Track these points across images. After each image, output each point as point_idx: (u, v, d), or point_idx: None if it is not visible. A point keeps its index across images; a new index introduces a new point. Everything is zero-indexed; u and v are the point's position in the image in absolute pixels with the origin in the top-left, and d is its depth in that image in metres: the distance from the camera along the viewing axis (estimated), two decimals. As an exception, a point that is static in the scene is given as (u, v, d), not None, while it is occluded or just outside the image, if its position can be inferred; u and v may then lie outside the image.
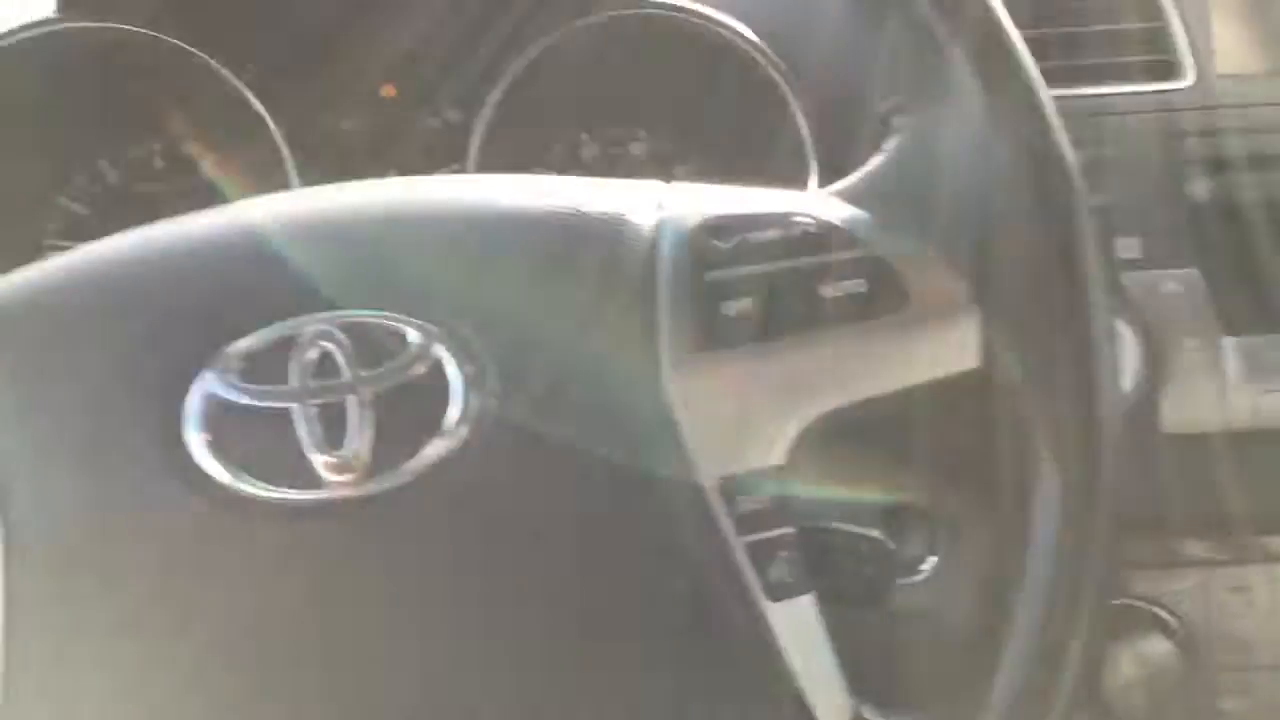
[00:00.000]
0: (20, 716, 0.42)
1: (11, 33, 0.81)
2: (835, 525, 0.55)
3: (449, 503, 0.43)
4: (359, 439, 0.43)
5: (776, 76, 0.85)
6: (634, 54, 0.89)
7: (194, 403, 0.43)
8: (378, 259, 0.46)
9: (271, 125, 0.87)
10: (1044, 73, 0.48)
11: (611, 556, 0.44)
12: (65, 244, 0.91)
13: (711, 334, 0.45)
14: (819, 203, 0.49)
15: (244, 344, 0.44)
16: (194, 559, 0.43)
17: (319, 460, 0.43)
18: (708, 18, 0.86)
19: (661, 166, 0.95)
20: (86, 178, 0.92)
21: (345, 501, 0.43)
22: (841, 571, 0.54)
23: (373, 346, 0.44)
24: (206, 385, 0.43)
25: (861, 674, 0.47)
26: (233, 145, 0.91)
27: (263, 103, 0.87)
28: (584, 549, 0.44)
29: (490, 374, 0.44)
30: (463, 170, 0.89)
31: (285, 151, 0.87)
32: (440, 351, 0.44)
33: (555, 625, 0.44)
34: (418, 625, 0.43)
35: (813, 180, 0.84)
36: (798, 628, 0.46)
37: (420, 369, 0.44)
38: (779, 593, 0.45)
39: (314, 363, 0.44)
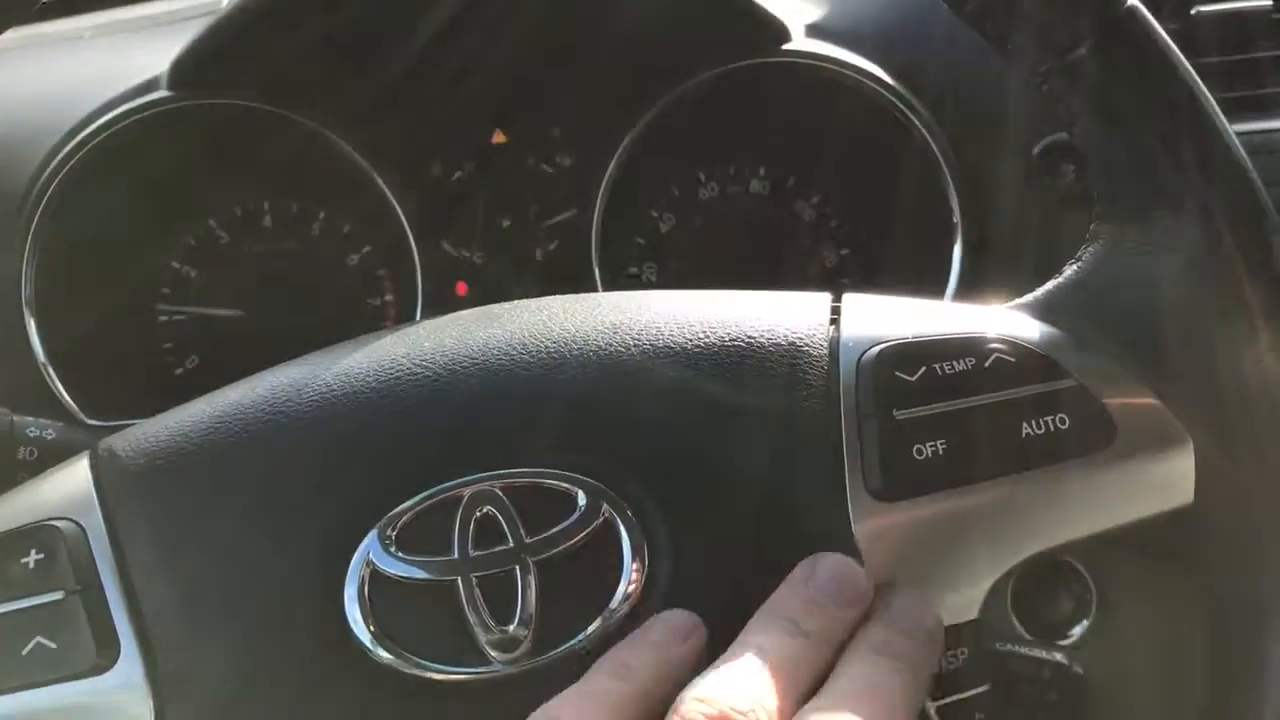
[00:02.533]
0: None
1: (127, 114, 0.79)
2: (1015, 650, 0.51)
3: None
4: (526, 611, 0.40)
5: (917, 123, 0.81)
6: (758, 98, 0.85)
7: (353, 574, 0.41)
8: (540, 406, 0.43)
9: (380, 183, 0.85)
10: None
11: None
12: (176, 307, 0.90)
13: (902, 481, 0.41)
14: (1009, 321, 0.45)
15: (404, 508, 0.41)
16: None
17: (483, 635, 0.40)
18: (845, 64, 0.82)
19: (784, 203, 0.91)
20: (196, 239, 0.90)
21: (513, 679, 0.40)
22: (1025, 699, 0.50)
23: (537, 507, 0.41)
24: (366, 555, 0.41)
25: None
26: (343, 201, 0.89)
27: (374, 157, 0.84)
28: None
29: (662, 536, 0.41)
30: (584, 213, 0.86)
31: (397, 207, 0.84)
32: (609, 513, 0.41)
33: None
34: None
35: (958, 244, 0.80)
36: None
37: (588, 532, 0.41)
38: None
39: (477, 526, 0.41)
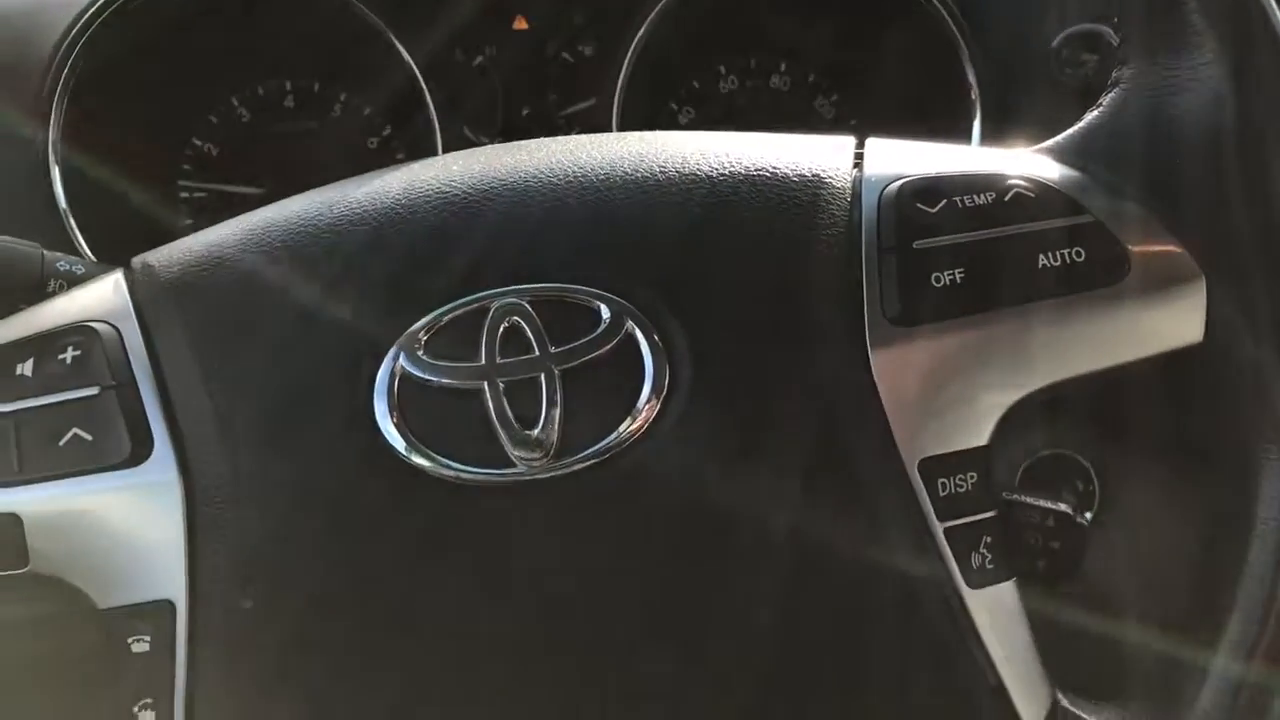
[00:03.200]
0: (207, 683, 0.41)
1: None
2: (1021, 499, 0.52)
3: (639, 484, 0.41)
4: (549, 418, 0.41)
5: (940, 8, 0.81)
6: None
7: (383, 379, 0.42)
8: (567, 225, 0.43)
9: (408, 59, 0.85)
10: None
11: (808, 540, 0.42)
12: (197, 184, 0.91)
13: (919, 307, 0.42)
14: (1030, 162, 0.45)
15: (433, 318, 0.42)
16: (378, 534, 0.41)
17: (508, 439, 0.41)
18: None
19: (804, 99, 0.91)
20: (218, 117, 0.90)
21: (535, 482, 0.41)
22: (1028, 548, 0.51)
23: (563, 320, 0.42)
24: (395, 361, 0.42)
25: (1058, 661, 0.45)
26: (366, 83, 0.89)
27: (402, 36, 0.85)
28: (779, 533, 0.42)
29: (683, 352, 0.42)
30: (602, 103, 0.86)
31: (425, 89, 0.85)
32: (632, 327, 0.42)
33: (748, 611, 0.42)
34: (604, 609, 0.41)
35: (976, 121, 0.80)
36: (999, 615, 0.43)
37: (612, 345, 0.42)
38: (980, 580, 0.43)
39: (503, 338, 0.42)
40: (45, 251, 0.58)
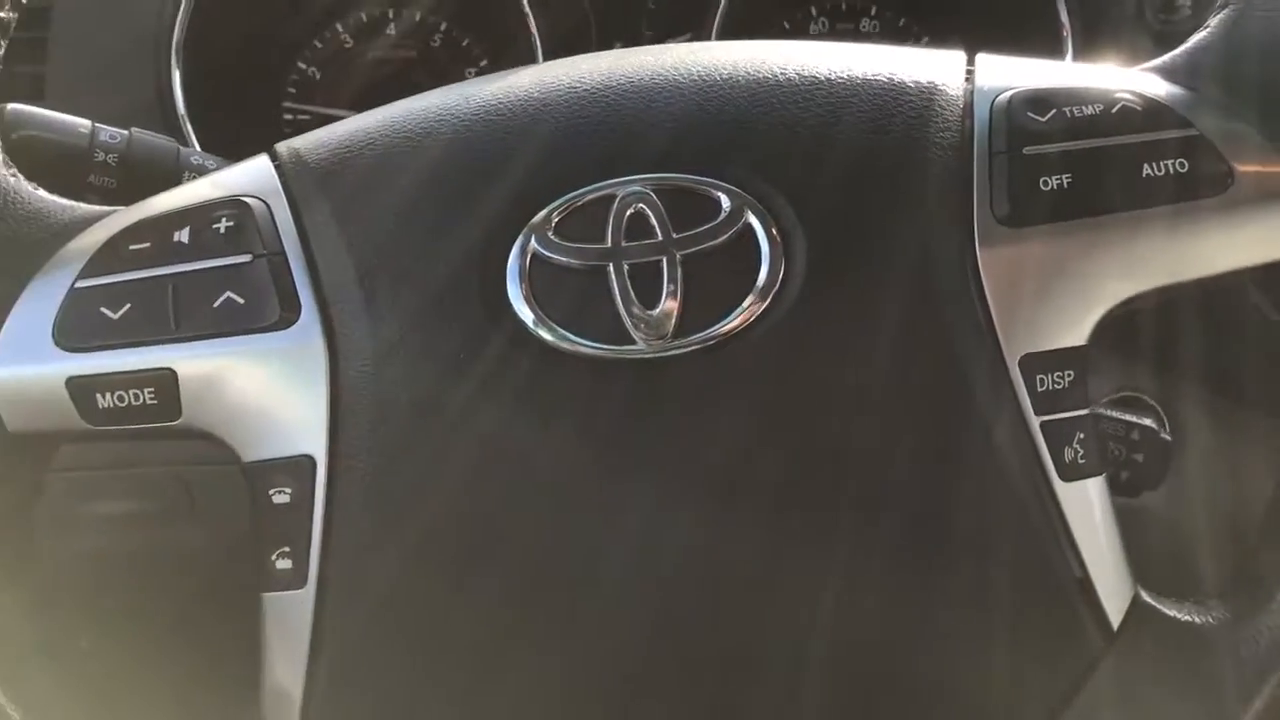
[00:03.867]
0: (342, 535, 0.44)
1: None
2: (1110, 413, 0.54)
3: (754, 366, 0.44)
4: (670, 299, 0.44)
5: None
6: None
7: (514, 258, 0.44)
8: (691, 121, 0.46)
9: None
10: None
11: (912, 426, 0.44)
12: (300, 106, 0.94)
13: (1026, 209, 0.44)
14: (1139, 79, 0.47)
15: (563, 202, 0.45)
16: (506, 400, 0.44)
17: (629, 318, 0.44)
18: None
19: (893, 43, 0.93)
20: (323, 42, 0.93)
21: (657, 360, 0.44)
22: (1113, 458, 0.53)
23: (685, 209, 0.44)
24: (526, 242, 0.44)
25: (1138, 560, 0.47)
26: (466, 14, 0.92)
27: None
28: (885, 419, 0.44)
29: (799, 241, 0.44)
30: (698, 39, 0.88)
31: (531, 21, 0.87)
32: (751, 217, 0.44)
33: (853, 495, 0.44)
34: (719, 488, 0.44)
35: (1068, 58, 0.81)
36: (1087, 509, 0.45)
37: (731, 233, 0.44)
38: (1072, 473, 0.45)
39: (629, 224, 0.44)
40: (180, 147, 0.61)
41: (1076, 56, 0.82)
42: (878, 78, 0.47)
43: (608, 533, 0.44)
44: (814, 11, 0.94)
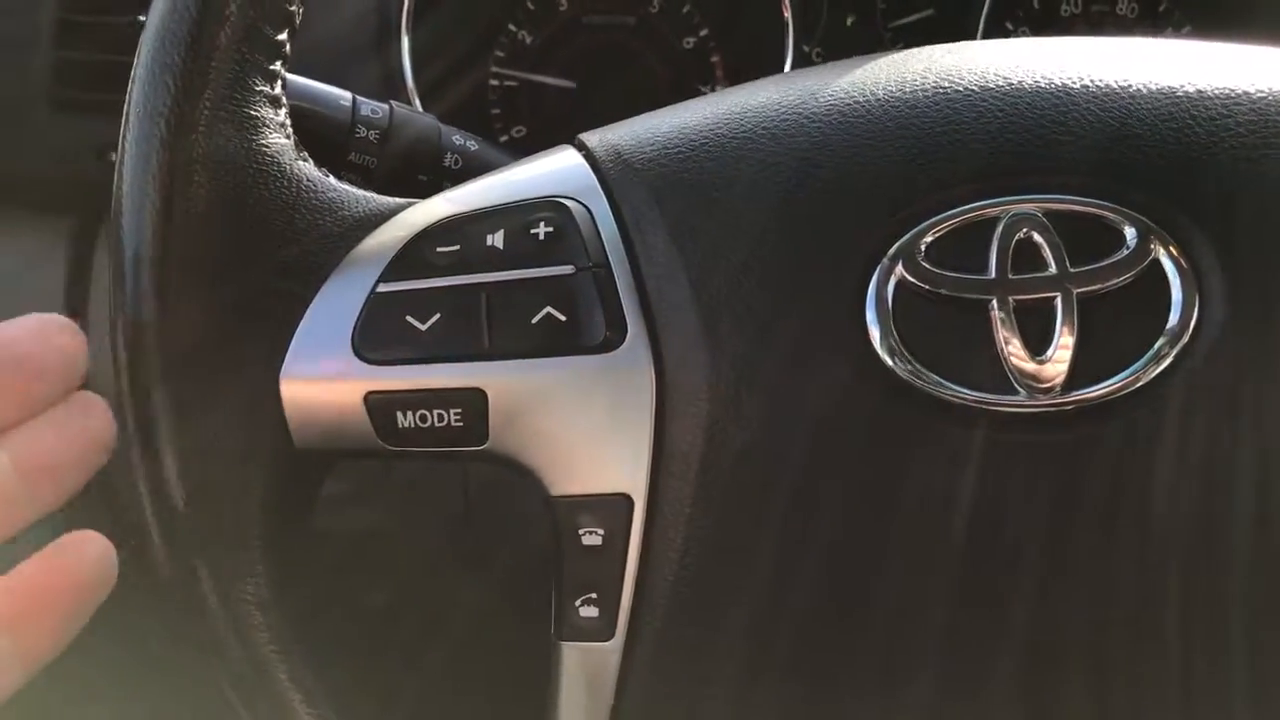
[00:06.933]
0: (659, 585, 0.40)
1: None
2: None
3: (1160, 428, 0.38)
4: (1063, 346, 0.38)
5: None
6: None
7: (876, 287, 0.39)
8: (1082, 132, 0.39)
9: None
10: None
11: None
12: (508, 72, 0.89)
13: None
14: None
15: (937, 219, 0.39)
16: (858, 449, 0.39)
17: (1015, 363, 0.38)
18: None
19: (1151, 29, 0.85)
20: (536, 5, 0.88)
21: (1038, 415, 0.38)
22: None
23: (1081, 238, 0.38)
24: (893, 268, 0.39)
25: None
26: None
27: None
28: None
29: (1216, 283, 0.38)
30: (942, 15, 0.82)
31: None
32: (1160, 253, 0.38)
33: (1253, 575, 0.38)
34: (1110, 558, 0.38)
35: None
36: None
37: (1138, 271, 0.38)
38: None
39: (1014, 252, 0.38)
40: (442, 126, 0.57)
41: None
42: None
43: (980, 624, 0.39)
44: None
